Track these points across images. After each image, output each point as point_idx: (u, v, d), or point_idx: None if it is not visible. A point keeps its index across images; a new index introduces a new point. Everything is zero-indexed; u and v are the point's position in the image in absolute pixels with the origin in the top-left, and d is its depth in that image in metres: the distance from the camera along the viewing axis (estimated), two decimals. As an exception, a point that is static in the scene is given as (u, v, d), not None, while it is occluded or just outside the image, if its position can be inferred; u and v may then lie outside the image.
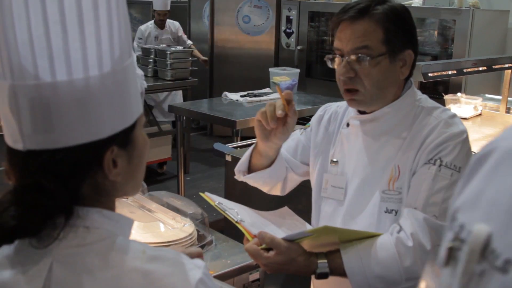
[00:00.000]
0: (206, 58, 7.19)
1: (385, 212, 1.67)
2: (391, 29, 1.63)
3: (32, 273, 0.93)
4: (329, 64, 1.71)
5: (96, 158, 0.94)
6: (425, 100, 1.75)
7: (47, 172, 0.90)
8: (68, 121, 0.90)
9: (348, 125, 1.79)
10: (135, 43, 6.76)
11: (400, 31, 1.66)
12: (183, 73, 6.27)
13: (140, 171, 1.06)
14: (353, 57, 1.63)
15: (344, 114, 1.85)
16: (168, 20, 7.05)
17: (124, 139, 0.97)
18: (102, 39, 0.92)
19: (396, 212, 1.66)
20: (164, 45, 6.63)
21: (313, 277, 1.85)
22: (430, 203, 1.56)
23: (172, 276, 0.94)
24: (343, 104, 1.87)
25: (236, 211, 1.70)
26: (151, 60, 6.32)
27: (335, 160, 1.80)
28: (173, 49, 6.28)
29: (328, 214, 1.80)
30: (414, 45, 1.70)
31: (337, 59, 1.68)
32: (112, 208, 1.02)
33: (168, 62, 6.11)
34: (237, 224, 1.65)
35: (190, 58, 6.39)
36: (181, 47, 6.67)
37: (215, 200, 1.74)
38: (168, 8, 6.92)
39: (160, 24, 6.98)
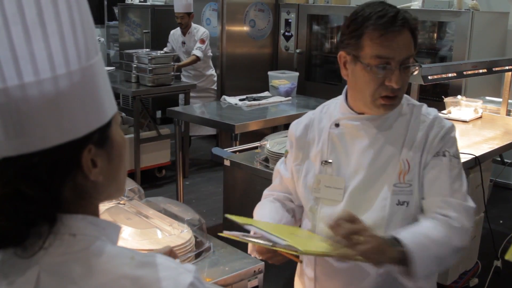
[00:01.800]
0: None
1: (397, 204, 1.74)
2: (416, 38, 1.74)
3: (19, 284, 0.91)
4: (378, 74, 1.70)
5: (73, 159, 0.91)
6: (409, 98, 1.88)
7: (25, 178, 0.88)
8: (40, 123, 0.87)
9: (337, 125, 1.83)
10: (167, 48, 6.70)
11: (417, 39, 1.76)
12: (165, 79, 6.07)
13: (122, 172, 1.04)
14: (406, 66, 1.71)
15: (322, 119, 1.89)
16: (195, 25, 6.76)
17: (100, 137, 0.95)
18: (65, 37, 0.89)
19: (407, 204, 1.74)
20: (147, 50, 6.46)
21: (311, 278, 1.85)
22: (454, 190, 1.73)
23: (162, 282, 0.92)
24: (314, 112, 1.94)
25: (263, 236, 1.65)
26: (134, 65, 6.13)
27: (329, 161, 1.83)
28: (153, 54, 6.11)
29: (327, 214, 1.80)
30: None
31: (380, 68, 1.70)
32: (96, 213, 1.00)
33: (149, 68, 5.94)
34: (274, 248, 1.62)
35: (172, 63, 6.13)
36: (162, 52, 6.50)
37: (237, 234, 1.69)
38: (186, 10, 6.62)
39: (181, 29, 6.74)
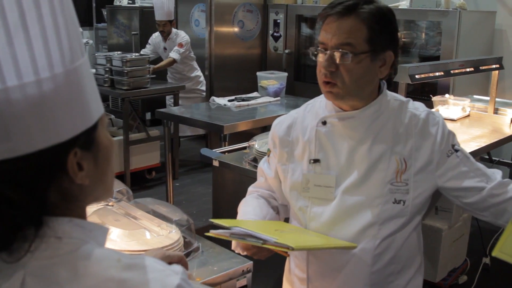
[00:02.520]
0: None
1: (393, 202, 1.75)
2: (375, 29, 1.68)
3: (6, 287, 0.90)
4: (312, 57, 1.76)
5: (59, 162, 0.91)
6: (396, 94, 1.89)
7: (10, 183, 0.87)
8: (24, 127, 0.87)
9: (324, 123, 1.82)
10: (148, 49, 6.70)
11: (384, 31, 1.71)
12: (141, 82, 6.02)
13: (109, 174, 1.03)
14: (336, 52, 1.68)
15: (306, 117, 1.89)
16: (175, 31, 6.83)
17: (86, 140, 0.94)
18: (49, 39, 0.89)
19: (404, 203, 1.75)
20: (119, 52, 6.41)
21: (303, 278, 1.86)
22: (483, 168, 1.83)
23: (149, 284, 0.92)
24: (297, 110, 1.94)
25: (251, 235, 1.64)
26: (107, 69, 6.03)
27: (317, 159, 1.82)
28: (128, 56, 6.05)
29: (318, 214, 1.80)
30: (395, 47, 1.77)
31: (320, 53, 1.72)
32: (82, 216, 1.00)
33: (125, 71, 5.86)
34: (264, 246, 1.61)
35: (148, 66, 6.09)
36: (136, 54, 6.48)
37: (226, 233, 1.67)
38: (168, 18, 6.70)
39: (162, 35, 6.79)
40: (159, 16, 6.67)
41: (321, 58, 1.72)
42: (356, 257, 1.76)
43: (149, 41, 6.87)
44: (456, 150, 1.80)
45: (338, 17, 1.68)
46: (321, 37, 1.72)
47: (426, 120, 1.79)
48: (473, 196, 1.79)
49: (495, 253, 1.66)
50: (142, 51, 6.76)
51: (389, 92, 1.84)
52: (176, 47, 6.67)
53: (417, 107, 1.84)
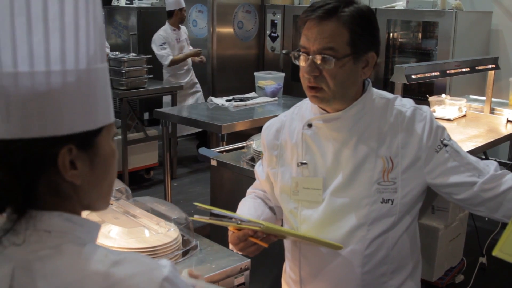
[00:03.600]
0: (201, 58, 6.85)
1: (381, 202, 1.73)
2: (357, 32, 1.66)
3: None
4: (294, 61, 1.75)
5: (50, 154, 0.93)
6: (382, 92, 1.85)
7: (0, 162, 0.90)
8: (25, 113, 0.90)
9: (310, 126, 1.82)
10: (162, 51, 6.51)
11: (365, 33, 1.69)
12: (138, 82, 6.01)
13: (106, 182, 1.04)
14: (318, 57, 1.66)
15: (294, 120, 1.89)
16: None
17: (85, 141, 0.96)
18: (66, 36, 0.92)
19: (392, 202, 1.73)
20: (117, 53, 6.40)
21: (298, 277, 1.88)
22: (474, 162, 1.78)
23: (135, 277, 0.93)
24: (286, 113, 1.94)
25: (230, 216, 1.68)
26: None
27: (304, 162, 1.81)
28: (126, 56, 6.04)
29: (307, 216, 1.81)
30: (377, 47, 1.75)
31: (302, 57, 1.71)
32: (75, 213, 1.01)
33: (123, 71, 5.85)
34: (239, 227, 1.64)
35: (145, 66, 6.07)
36: (134, 54, 6.45)
37: (206, 217, 1.71)
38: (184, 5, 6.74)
39: (177, 26, 6.70)
40: (183, 3, 6.64)
41: (303, 62, 1.71)
42: (346, 259, 1.76)
43: (164, 40, 6.60)
44: (445, 145, 1.75)
45: (319, 21, 1.65)
46: (302, 41, 1.70)
47: (412, 116, 1.76)
48: (465, 192, 1.75)
49: (495, 252, 1.67)
50: (165, 53, 6.57)
51: (375, 90, 1.82)
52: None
53: (404, 103, 1.80)
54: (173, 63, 6.53)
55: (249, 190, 2.11)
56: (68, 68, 0.92)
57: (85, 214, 1.04)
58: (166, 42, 6.56)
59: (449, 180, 1.75)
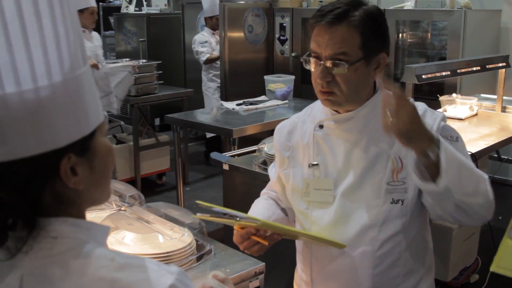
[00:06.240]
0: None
1: (391, 203, 1.72)
2: (368, 35, 1.66)
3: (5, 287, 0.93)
4: (305, 66, 1.75)
5: (52, 167, 0.93)
6: None
7: (3, 185, 0.90)
8: (20, 132, 0.89)
9: (321, 127, 1.82)
10: (202, 48, 6.82)
11: (376, 35, 1.69)
12: (149, 88, 6.07)
13: (106, 179, 1.05)
14: (330, 62, 1.66)
15: (306, 121, 1.89)
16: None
17: (81, 147, 0.96)
18: (48, 49, 0.91)
19: (402, 202, 1.71)
20: (127, 59, 6.37)
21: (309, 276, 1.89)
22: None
23: (140, 284, 0.93)
24: (298, 115, 1.94)
25: (229, 213, 1.67)
26: None
27: (315, 163, 1.81)
28: (136, 63, 6.02)
29: (318, 217, 1.81)
30: (387, 47, 1.75)
31: (313, 61, 1.71)
32: (80, 216, 1.01)
33: (133, 77, 5.84)
34: (238, 223, 1.65)
35: (155, 72, 6.13)
36: (144, 61, 6.50)
37: (207, 215, 1.72)
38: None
39: (213, 31, 6.99)
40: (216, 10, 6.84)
41: (314, 67, 1.70)
42: (357, 260, 1.75)
43: (206, 45, 6.93)
44: (456, 140, 1.72)
45: (329, 26, 1.64)
46: (313, 47, 1.70)
47: (422, 116, 1.69)
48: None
49: (493, 268, 1.65)
50: (205, 52, 6.87)
51: (387, 91, 1.82)
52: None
53: (417, 105, 1.75)
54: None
55: (263, 191, 2.12)
56: (55, 81, 0.91)
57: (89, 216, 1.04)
58: (208, 42, 6.86)
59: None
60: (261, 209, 1.98)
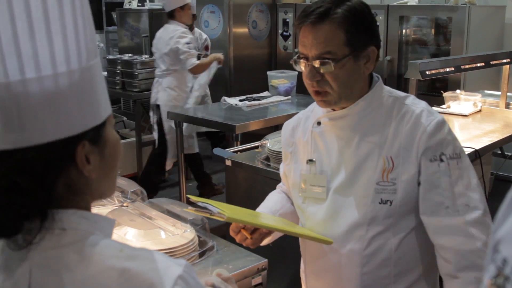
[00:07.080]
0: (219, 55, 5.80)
1: (380, 203, 1.70)
2: (352, 31, 1.65)
3: (15, 280, 0.93)
4: (295, 67, 1.75)
5: (68, 154, 0.94)
6: (394, 90, 1.82)
7: (21, 171, 0.90)
8: (38, 119, 0.90)
9: (319, 123, 1.83)
10: (185, 47, 5.44)
11: (361, 30, 1.68)
12: (151, 84, 5.84)
13: (114, 171, 1.06)
14: (317, 62, 1.66)
15: (309, 118, 1.90)
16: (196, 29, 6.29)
17: (95, 135, 0.98)
18: (68, 37, 0.93)
19: (391, 203, 1.70)
20: (130, 55, 6.36)
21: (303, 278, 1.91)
22: (457, 195, 1.65)
23: (149, 273, 0.93)
24: (304, 111, 1.96)
25: (215, 210, 1.65)
26: (118, 71, 6.05)
27: (312, 159, 1.83)
28: (139, 58, 6.04)
29: (312, 213, 1.82)
30: (376, 40, 1.73)
31: (302, 63, 1.71)
32: (87, 208, 1.02)
33: (136, 73, 5.90)
34: (213, 217, 1.64)
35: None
36: (147, 56, 6.36)
37: (192, 208, 1.74)
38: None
39: (190, 29, 5.88)
40: (193, 8, 5.93)
41: (303, 67, 1.71)
42: (345, 258, 1.76)
43: (187, 40, 5.57)
44: (442, 160, 1.66)
45: (313, 26, 1.65)
46: (300, 48, 1.71)
47: (418, 116, 1.70)
48: (425, 220, 1.70)
49: None
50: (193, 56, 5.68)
51: (387, 89, 1.80)
52: (205, 52, 6.20)
53: (416, 103, 1.76)
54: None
55: (279, 185, 2.15)
56: (73, 68, 0.93)
57: (94, 210, 1.05)
58: (192, 43, 5.93)
59: (421, 193, 1.70)
60: (270, 202, 2.02)
